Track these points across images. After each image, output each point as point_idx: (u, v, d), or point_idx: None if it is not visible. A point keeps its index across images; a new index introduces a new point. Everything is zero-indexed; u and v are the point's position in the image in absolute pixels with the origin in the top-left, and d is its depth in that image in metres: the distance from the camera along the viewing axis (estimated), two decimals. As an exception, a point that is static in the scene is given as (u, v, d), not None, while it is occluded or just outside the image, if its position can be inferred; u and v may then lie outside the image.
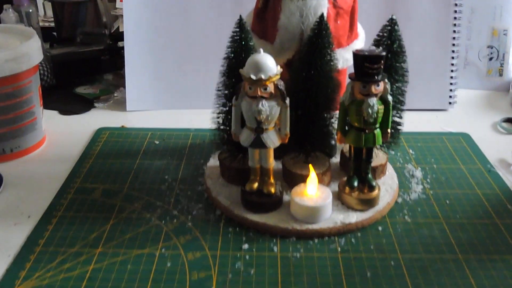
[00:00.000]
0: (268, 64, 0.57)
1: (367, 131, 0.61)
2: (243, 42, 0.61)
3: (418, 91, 0.93)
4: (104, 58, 1.08)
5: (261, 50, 0.57)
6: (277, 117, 0.60)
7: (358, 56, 0.58)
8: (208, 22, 0.93)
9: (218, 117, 0.67)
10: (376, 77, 0.58)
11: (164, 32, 0.93)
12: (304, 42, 0.63)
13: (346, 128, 0.63)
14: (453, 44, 0.93)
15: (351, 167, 0.65)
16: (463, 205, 0.68)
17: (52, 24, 1.18)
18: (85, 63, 1.04)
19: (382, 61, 0.58)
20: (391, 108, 0.61)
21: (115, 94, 0.96)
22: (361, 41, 0.71)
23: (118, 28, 1.19)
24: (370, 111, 0.59)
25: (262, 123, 0.59)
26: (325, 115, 0.65)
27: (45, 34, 1.16)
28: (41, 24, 1.21)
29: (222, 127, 0.67)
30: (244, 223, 0.64)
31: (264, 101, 0.58)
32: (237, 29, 0.61)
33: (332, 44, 0.61)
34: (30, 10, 1.08)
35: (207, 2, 0.92)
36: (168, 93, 0.94)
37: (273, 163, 0.63)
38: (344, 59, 0.68)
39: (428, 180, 0.73)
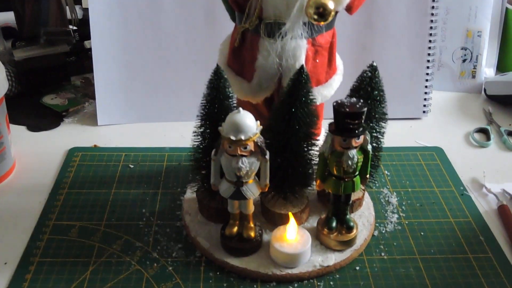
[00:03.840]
0: (248, 124, 0.55)
1: (346, 179, 0.62)
2: (219, 91, 0.60)
3: (393, 100, 0.93)
4: (70, 60, 1.04)
5: (240, 109, 0.56)
6: (256, 170, 0.59)
7: (339, 113, 0.57)
8: (180, 32, 0.90)
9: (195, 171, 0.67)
10: (357, 132, 0.58)
11: (134, 43, 0.90)
12: (282, 90, 0.62)
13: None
14: (429, 54, 0.92)
15: (330, 209, 0.66)
16: (437, 237, 0.70)
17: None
18: (51, 69, 0.99)
19: (363, 116, 0.57)
20: (370, 157, 0.61)
21: (85, 108, 0.93)
22: (340, 75, 0.70)
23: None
24: (350, 163, 0.59)
25: (242, 178, 0.59)
26: (305, 156, 0.64)
27: (6, 31, 1.10)
28: None
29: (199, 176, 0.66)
30: (224, 267, 0.64)
31: (244, 159, 0.57)
32: (214, 77, 0.59)
33: (313, 97, 0.60)
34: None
35: (179, 12, 0.89)
36: (140, 105, 0.92)
37: (252, 209, 0.63)
38: (322, 96, 0.67)
39: (403, 207, 0.74)
